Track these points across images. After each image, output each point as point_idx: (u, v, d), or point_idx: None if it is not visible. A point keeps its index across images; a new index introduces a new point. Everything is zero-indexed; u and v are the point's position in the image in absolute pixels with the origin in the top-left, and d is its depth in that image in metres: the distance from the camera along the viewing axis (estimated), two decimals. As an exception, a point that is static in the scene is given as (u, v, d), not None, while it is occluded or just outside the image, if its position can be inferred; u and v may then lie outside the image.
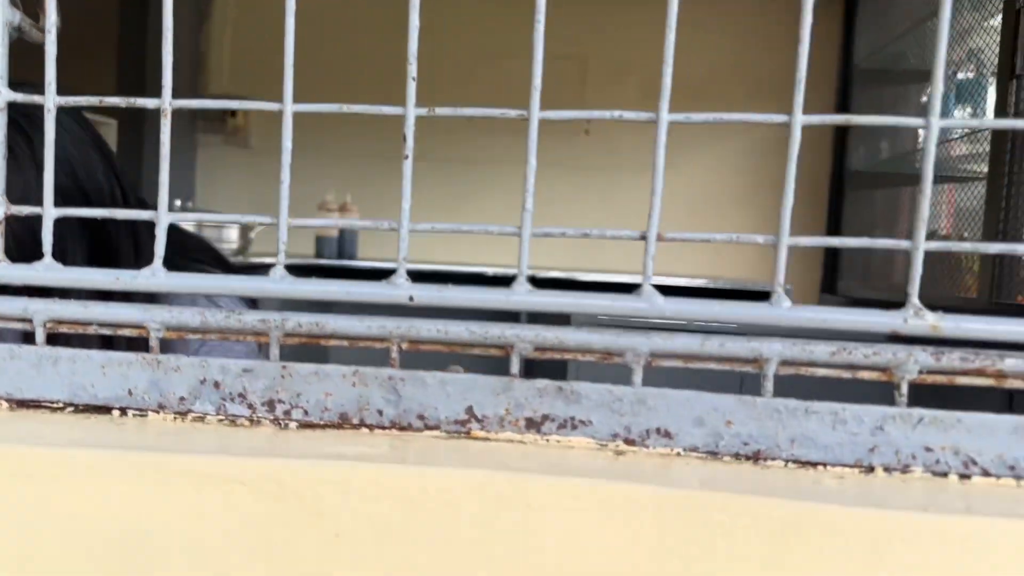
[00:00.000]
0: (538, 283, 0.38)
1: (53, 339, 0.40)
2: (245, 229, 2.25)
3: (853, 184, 2.57)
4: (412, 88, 0.38)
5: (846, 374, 0.37)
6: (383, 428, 0.38)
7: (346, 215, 2.50)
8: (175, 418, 0.39)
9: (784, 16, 3.74)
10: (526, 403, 0.37)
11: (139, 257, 0.77)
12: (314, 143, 3.69)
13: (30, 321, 0.40)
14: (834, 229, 2.61)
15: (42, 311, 0.39)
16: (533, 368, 0.40)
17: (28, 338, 0.40)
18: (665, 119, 0.37)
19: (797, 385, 0.36)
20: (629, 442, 0.37)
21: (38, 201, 0.40)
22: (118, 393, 0.39)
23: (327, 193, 2.59)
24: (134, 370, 0.39)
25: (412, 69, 0.38)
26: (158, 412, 0.39)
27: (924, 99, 2.09)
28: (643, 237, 0.37)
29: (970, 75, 1.93)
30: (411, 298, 0.38)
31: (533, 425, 0.37)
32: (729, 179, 3.75)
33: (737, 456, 0.37)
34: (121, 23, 4.09)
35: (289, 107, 0.38)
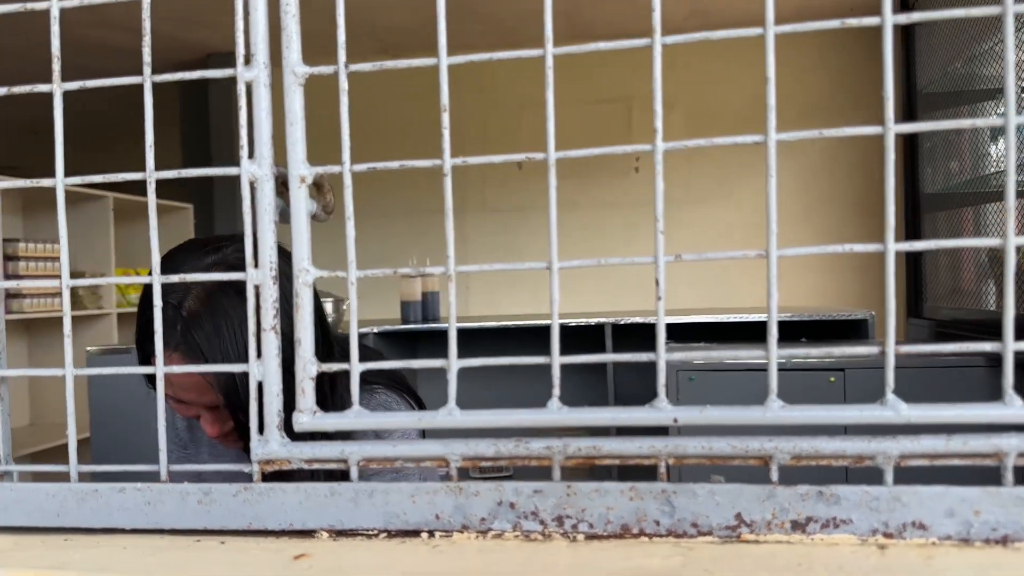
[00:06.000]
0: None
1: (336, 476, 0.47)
2: (338, 301, 2.35)
3: (928, 206, 2.56)
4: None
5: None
6: (661, 536, 0.44)
7: (425, 279, 2.61)
8: (477, 536, 0.45)
9: (823, 39, 3.81)
10: (790, 507, 0.42)
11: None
12: (391, 208, 3.88)
13: (345, 461, 0.46)
14: (912, 254, 2.60)
15: (356, 452, 0.46)
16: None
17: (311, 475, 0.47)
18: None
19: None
20: (888, 536, 0.42)
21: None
22: (427, 518, 0.45)
23: (409, 260, 2.71)
24: (440, 497, 0.45)
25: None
26: (462, 532, 0.45)
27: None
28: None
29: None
30: (675, 420, 0.44)
31: (799, 527, 0.42)
32: (785, 200, 3.82)
33: (987, 541, 0.41)
34: (182, 101, 4.33)
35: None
